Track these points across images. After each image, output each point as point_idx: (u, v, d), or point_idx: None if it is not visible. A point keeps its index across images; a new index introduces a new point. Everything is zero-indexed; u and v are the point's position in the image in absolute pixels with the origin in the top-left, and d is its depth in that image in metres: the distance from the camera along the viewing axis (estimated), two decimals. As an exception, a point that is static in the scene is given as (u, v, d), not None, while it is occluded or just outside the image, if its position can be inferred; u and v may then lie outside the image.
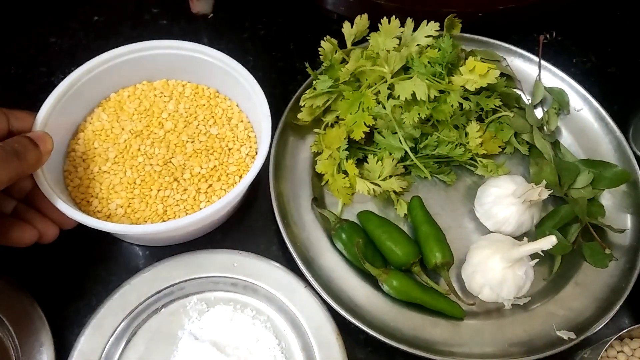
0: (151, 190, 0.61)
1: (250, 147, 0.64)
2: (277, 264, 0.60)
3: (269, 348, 0.57)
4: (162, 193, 0.61)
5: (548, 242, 0.54)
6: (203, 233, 0.65)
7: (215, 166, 0.63)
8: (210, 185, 0.62)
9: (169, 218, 0.59)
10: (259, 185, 0.68)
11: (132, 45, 0.64)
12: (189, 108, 0.66)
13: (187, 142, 0.64)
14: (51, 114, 0.59)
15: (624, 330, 0.52)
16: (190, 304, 0.59)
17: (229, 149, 0.64)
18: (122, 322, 0.57)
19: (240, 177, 0.62)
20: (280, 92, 0.75)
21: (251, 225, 0.67)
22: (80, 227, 0.64)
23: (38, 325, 0.57)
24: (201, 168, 0.62)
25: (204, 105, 0.67)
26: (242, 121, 0.66)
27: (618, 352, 0.54)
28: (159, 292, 0.59)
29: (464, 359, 0.57)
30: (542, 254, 0.57)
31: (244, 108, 0.67)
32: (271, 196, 0.64)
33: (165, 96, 0.67)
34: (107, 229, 0.54)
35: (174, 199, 0.60)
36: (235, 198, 0.57)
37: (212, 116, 0.66)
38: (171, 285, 0.59)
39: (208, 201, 0.60)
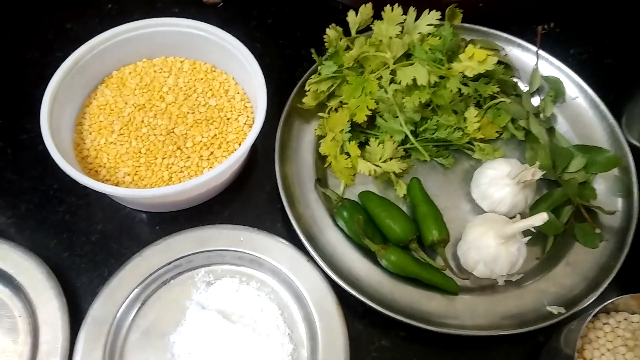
0: (156, 158, 0.65)
1: (248, 116, 0.69)
2: (282, 240, 0.63)
3: (272, 318, 0.60)
4: (167, 161, 0.65)
5: (539, 218, 0.57)
6: (207, 198, 0.68)
7: (215, 135, 0.67)
8: (212, 153, 0.66)
9: (174, 184, 0.63)
10: (264, 166, 0.71)
11: (131, 23, 0.69)
12: (188, 82, 0.71)
13: (188, 113, 0.68)
14: (58, 89, 0.64)
15: (609, 301, 0.54)
16: (198, 276, 0.62)
17: (228, 119, 0.69)
18: (133, 291, 0.60)
19: (240, 144, 0.65)
20: (287, 78, 0.77)
21: (257, 204, 0.70)
22: (94, 203, 0.68)
23: (54, 293, 0.60)
24: (202, 137, 0.67)
25: (202, 79, 0.71)
26: (238, 93, 0.71)
27: (604, 324, 0.57)
28: (169, 264, 0.62)
29: (457, 330, 0.60)
30: (534, 230, 0.60)
31: (239, 81, 0.71)
32: (276, 177, 0.67)
33: (164, 72, 0.71)
34: (117, 193, 0.58)
35: (178, 165, 0.65)
36: (236, 162, 0.61)
37: (210, 89, 0.70)
38: (180, 258, 0.62)
39: (210, 167, 0.65)
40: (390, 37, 0.70)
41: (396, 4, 0.71)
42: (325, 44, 0.72)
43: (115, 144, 0.66)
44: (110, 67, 0.71)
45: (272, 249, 0.63)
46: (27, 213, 0.67)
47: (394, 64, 0.69)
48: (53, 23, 0.82)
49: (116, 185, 0.63)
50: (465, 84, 0.70)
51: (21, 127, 0.72)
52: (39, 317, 0.58)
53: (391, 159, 0.69)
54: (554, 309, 0.61)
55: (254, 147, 0.72)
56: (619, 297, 0.55)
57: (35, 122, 0.65)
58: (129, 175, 0.64)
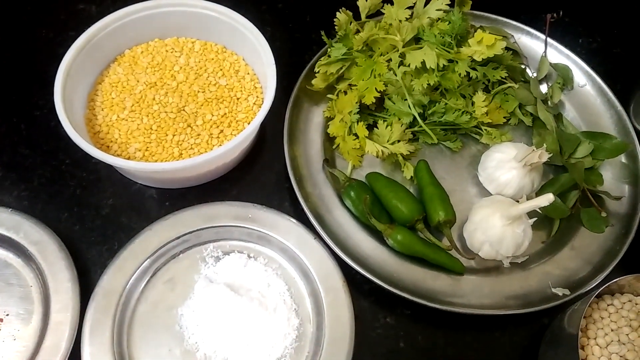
0: (167, 135, 0.66)
1: (257, 97, 0.70)
2: (290, 217, 0.64)
3: (279, 293, 0.61)
4: (177, 137, 0.66)
5: (545, 199, 0.57)
6: (216, 176, 0.69)
7: (225, 114, 0.68)
8: (222, 131, 0.67)
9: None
10: (273, 147, 0.71)
11: (144, 3, 0.70)
12: (199, 62, 0.72)
13: (198, 92, 0.69)
14: (71, 66, 0.65)
15: (612, 281, 0.55)
16: (206, 251, 0.63)
17: (237, 98, 0.70)
18: (143, 263, 0.61)
19: (249, 123, 0.66)
20: (296, 61, 0.78)
21: (265, 183, 0.70)
22: (105, 178, 0.69)
23: (65, 264, 0.60)
24: (212, 115, 0.68)
25: (213, 59, 0.72)
26: (248, 73, 0.71)
27: (609, 305, 0.57)
28: (178, 238, 0.62)
29: (462, 308, 0.60)
30: (540, 211, 0.61)
31: (250, 62, 0.72)
32: (285, 157, 0.68)
33: (176, 52, 0.72)
34: (128, 167, 0.59)
35: (189, 142, 0.66)
36: (245, 140, 0.62)
37: (221, 69, 0.71)
38: (189, 233, 0.63)
39: (220, 144, 0.66)
40: (400, 21, 0.71)
41: (407, -12, 0.71)
42: (335, 27, 0.73)
43: (126, 120, 0.67)
44: (123, 45, 0.72)
45: (280, 226, 0.63)
46: (39, 187, 0.68)
47: (403, 47, 0.70)
48: (66, 3, 0.83)
49: (127, 160, 0.64)
50: (473, 69, 0.70)
51: (34, 104, 0.73)
52: (50, 287, 0.59)
53: (399, 141, 0.69)
54: (559, 291, 0.62)
55: (262, 129, 0.72)
56: (623, 277, 0.55)
57: (48, 99, 0.67)
58: (139, 150, 0.65)
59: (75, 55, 0.65)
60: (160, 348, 0.58)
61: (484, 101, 0.70)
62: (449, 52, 0.69)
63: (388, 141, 0.69)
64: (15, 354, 0.57)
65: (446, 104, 0.69)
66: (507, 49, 0.72)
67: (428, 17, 0.72)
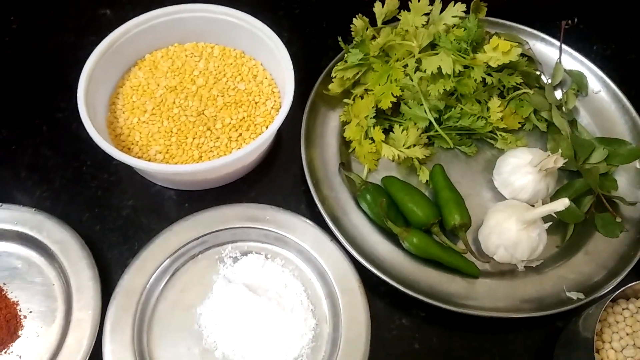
0: (187, 138, 0.67)
1: (275, 101, 0.71)
2: (306, 219, 0.65)
3: (296, 293, 0.62)
4: (197, 140, 0.67)
5: (561, 204, 0.58)
6: (234, 178, 0.70)
7: (244, 117, 0.69)
8: (240, 134, 0.68)
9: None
10: (290, 150, 0.72)
11: (164, 8, 0.72)
12: (218, 67, 0.73)
13: (218, 96, 0.71)
14: (94, 70, 0.67)
15: (627, 285, 0.55)
16: (225, 252, 0.64)
17: (256, 103, 0.71)
18: (163, 263, 0.62)
19: (267, 127, 0.67)
20: (313, 66, 0.79)
21: (282, 186, 0.71)
22: (125, 180, 0.70)
23: (86, 263, 0.62)
24: (231, 119, 0.69)
25: (232, 64, 0.73)
26: (266, 78, 0.73)
27: (624, 309, 0.58)
28: (197, 239, 0.63)
29: (477, 311, 0.61)
30: (555, 216, 0.61)
31: (268, 67, 0.74)
32: (302, 160, 0.69)
33: (195, 56, 0.74)
34: (149, 169, 0.60)
35: (208, 145, 0.67)
36: (264, 144, 0.63)
37: (239, 73, 0.73)
38: (208, 234, 0.64)
39: (239, 148, 0.67)
40: (417, 27, 0.72)
41: (423, -5, 0.72)
42: (352, 33, 0.74)
43: (147, 123, 0.68)
44: (143, 50, 0.73)
45: (297, 228, 0.64)
46: (61, 187, 0.70)
47: (420, 52, 0.71)
48: (87, 9, 0.85)
49: (148, 162, 0.65)
50: (489, 74, 0.71)
51: (57, 106, 0.75)
52: (73, 285, 0.60)
53: (415, 145, 0.70)
54: (574, 295, 0.62)
55: (280, 132, 0.74)
56: (638, 281, 0.55)
57: (69, 101, 0.68)
58: (160, 153, 0.66)
59: (98, 59, 0.67)
60: (179, 346, 0.60)
61: (499, 107, 0.71)
62: (464, 58, 0.70)
63: (404, 145, 0.70)
64: (38, 350, 0.59)
65: (462, 109, 0.70)
66: (522, 55, 0.73)
67: (444, 24, 0.73)
